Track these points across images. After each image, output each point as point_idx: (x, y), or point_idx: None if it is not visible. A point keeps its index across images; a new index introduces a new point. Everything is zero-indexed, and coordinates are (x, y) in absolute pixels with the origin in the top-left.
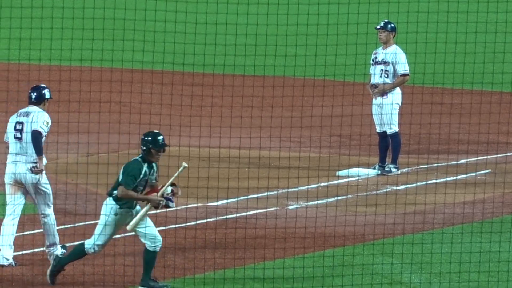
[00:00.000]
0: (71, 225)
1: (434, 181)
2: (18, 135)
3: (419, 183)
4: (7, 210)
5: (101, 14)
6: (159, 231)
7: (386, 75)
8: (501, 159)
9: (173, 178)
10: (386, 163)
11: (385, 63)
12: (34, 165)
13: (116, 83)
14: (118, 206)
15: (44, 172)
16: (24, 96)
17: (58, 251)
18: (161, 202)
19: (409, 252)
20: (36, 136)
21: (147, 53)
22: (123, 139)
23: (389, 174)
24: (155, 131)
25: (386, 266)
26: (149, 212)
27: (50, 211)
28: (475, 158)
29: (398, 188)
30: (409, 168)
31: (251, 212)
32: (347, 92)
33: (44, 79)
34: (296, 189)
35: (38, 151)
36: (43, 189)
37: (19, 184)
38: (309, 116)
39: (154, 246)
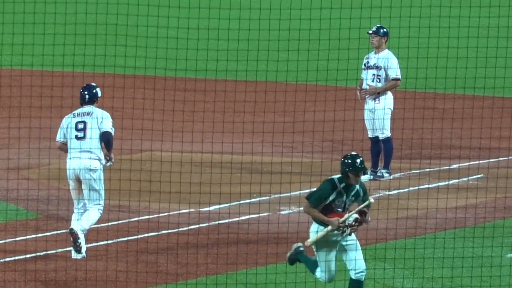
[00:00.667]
0: (64, 231)
1: (426, 186)
2: (81, 134)
3: (411, 188)
4: (75, 205)
5: (93, 20)
6: (150, 236)
7: (378, 80)
8: (493, 164)
9: (360, 207)
10: (379, 168)
11: (377, 67)
12: (98, 160)
13: (109, 89)
14: (318, 225)
15: (103, 169)
16: (16, 102)
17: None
18: (341, 228)
19: (402, 257)
20: (108, 137)
21: (140, 58)
22: (116, 144)
23: (381, 179)
24: (353, 153)
25: (379, 271)
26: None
27: (100, 206)
28: (467, 163)
29: (390, 193)
30: (402, 173)
31: (244, 218)
32: (339, 97)
33: (36, 84)
34: (289, 194)
35: (110, 147)
36: (97, 185)
37: (79, 180)
38: (301, 121)
39: (357, 273)
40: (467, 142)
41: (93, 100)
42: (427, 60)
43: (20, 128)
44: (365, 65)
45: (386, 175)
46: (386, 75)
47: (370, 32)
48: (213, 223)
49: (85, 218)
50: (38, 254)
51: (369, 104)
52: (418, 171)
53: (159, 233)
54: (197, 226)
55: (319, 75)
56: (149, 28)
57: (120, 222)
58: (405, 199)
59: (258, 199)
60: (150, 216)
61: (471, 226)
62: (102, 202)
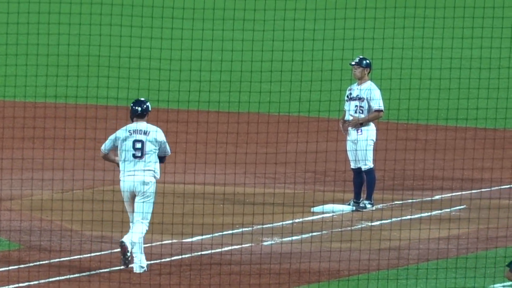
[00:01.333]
0: (46, 261)
1: (409, 217)
2: (138, 154)
3: (393, 219)
4: (131, 219)
5: (76, 51)
6: (132, 267)
7: (361, 111)
8: (475, 195)
9: None
10: (361, 199)
11: (359, 99)
12: (153, 176)
13: (91, 120)
14: None
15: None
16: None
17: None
18: None
19: (384, 287)
20: (163, 160)
21: (122, 89)
22: (98, 175)
23: (364, 210)
24: None
25: None
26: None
27: (146, 220)
28: (450, 194)
29: (372, 224)
30: (384, 204)
31: (226, 249)
32: (322, 128)
33: (19, 115)
34: (271, 225)
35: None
36: (149, 199)
37: (132, 196)
38: (283, 152)
39: None
40: (450, 173)
41: (143, 114)
42: (409, 91)
43: (2, 159)
44: (347, 96)
45: (368, 206)
46: (369, 106)
47: (353, 63)
48: (196, 254)
49: (134, 231)
50: (20, 285)
51: (352, 135)
52: (400, 202)
53: None
54: (179, 257)
55: (301, 106)
56: (131, 59)
57: (102, 253)
58: (388, 230)
59: (240, 230)
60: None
61: (453, 257)
62: (149, 216)
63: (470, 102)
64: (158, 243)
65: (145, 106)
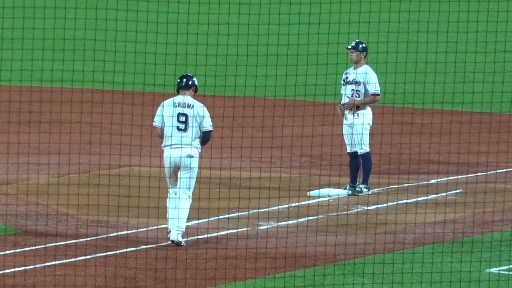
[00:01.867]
0: (42, 246)
1: (404, 201)
2: (182, 126)
3: (389, 203)
4: (170, 194)
5: (72, 35)
6: (129, 251)
7: (357, 95)
8: (471, 179)
9: None
10: (357, 183)
11: (356, 83)
12: (197, 148)
13: (87, 104)
14: None
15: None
16: None
17: (180, 237)
18: None
19: (380, 272)
20: (207, 137)
21: (118, 73)
22: (94, 159)
23: (360, 194)
24: None
25: (357, 286)
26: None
27: (190, 193)
28: (446, 178)
29: (368, 208)
30: (380, 188)
31: (222, 233)
32: (318, 112)
33: (15, 100)
34: (267, 209)
35: (205, 144)
36: (193, 172)
37: (175, 168)
38: (279, 136)
39: None
40: (445, 157)
41: (188, 86)
42: (405, 75)
43: None
44: (344, 80)
45: (364, 190)
46: (366, 90)
47: (349, 47)
48: (192, 238)
49: (180, 217)
50: (16, 269)
51: (348, 119)
52: (396, 186)
53: (137, 248)
54: None
55: (297, 90)
56: (127, 43)
57: (98, 237)
58: (384, 214)
59: (236, 214)
60: (129, 231)
61: (449, 241)
62: (192, 190)
63: (466, 86)
64: (154, 227)
65: (191, 80)
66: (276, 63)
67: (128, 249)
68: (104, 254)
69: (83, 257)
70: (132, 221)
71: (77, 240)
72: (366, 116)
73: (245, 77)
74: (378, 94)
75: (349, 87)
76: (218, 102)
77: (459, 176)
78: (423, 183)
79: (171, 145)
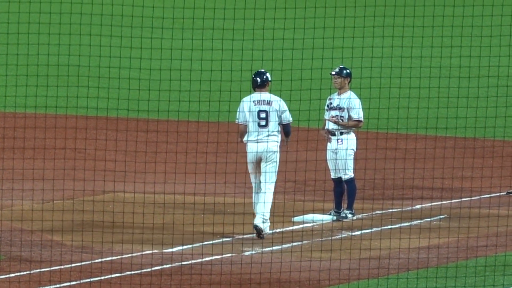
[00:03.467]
0: (27, 272)
1: (389, 226)
2: (263, 123)
3: (374, 229)
4: (254, 189)
5: (56, 61)
6: (113, 277)
7: (341, 121)
8: (455, 204)
9: None
10: (342, 209)
11: (340, 109)
12: (277, 142)
13: (71, 130)
14: None
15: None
16: None
17: (267, 228)
18: None
19: None
20: (288, 129)
21: (102, 99)
22: (78, 185)
23: (344, 220)
24: None
25: None
26: None
27: (273, 186)
28: (430, 204)
29: (353, 233)
30: (364, 214)
31: (207, 259)
32: (302, 138)
33: None
34: (252, 235)
35: (288, 136)
36: (275, 166)
37: (257, 162)
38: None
39: None
40: (430, 183)
41: (264, 84)
42: (389, 100)
43: None
44: (327, 106)
45: (349, 215)
46: (349, 116)
47: (333, 73)
48: (176, 264)
49: (266, 207)
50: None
51: (332, 144)
52: (381, 211)
53: (122, 274)
54: (160, 267)
55: None
56: (111, 69)
57: (83, 263)
58: (368, 239)
59: (221, 240)
60: (113, 258)
61: (434, 266)
62: (275, 182)
63: (449, 111)
64: (139, 253)
65: (264, 76)
66: None
67: (113, 275)
68: (88, 280)
69: (68, 283)
70: (116, 247)
71: (62, 266)
72: (350, 141)
73: (229, 103)
74: (361, 121)
75: (333, 113)
76: (202, 128)
77: (443, 202)
78: (408, 208)
79: (254, 140)
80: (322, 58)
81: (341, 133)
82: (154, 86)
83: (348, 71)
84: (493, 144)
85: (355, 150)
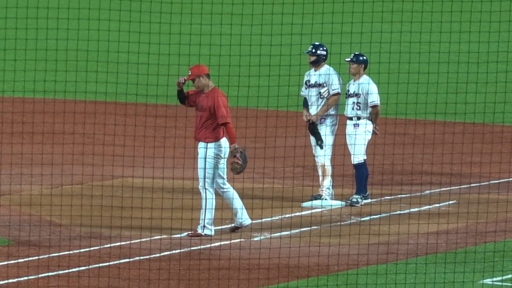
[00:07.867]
0: (36, 257)
1: (397, 212)
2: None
3: (383, 214)
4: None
5: (64, 46)
6: (122, 263)
7: (358, 107)
8: (464, 190)
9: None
10: (367, 192)
11: (356, 95)
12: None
13: (80, 115)
14: None
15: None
16: None
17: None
18: None
19: (373, 282)
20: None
21: (111, 84)
22: (87, 170)
23: (356, 205)
24: None
25: None
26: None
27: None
28: (439, 189)
29: (362, 219)
30: (373, 199)
31: (215, 244)
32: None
33: (7, 111)
34: (260, 220)
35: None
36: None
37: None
38: (272, 147)
39: None
40: (439, 168)
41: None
42: (397, 85)
43: None
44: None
45: (359, 200)
46: (366, 102)
47: (348, 60)
48: (185, 249)
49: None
50: (10, 281)
51: (348, 129)
52: (389, 197)
53: (131, 259)
54: (169, 252)
55: (290, 100)
56: (120, 54)
57: (91, 248)
58: (377, 224)
59: (229, 225)
60: (122, 243)
61: (442, 252)
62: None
63: (458, 97)
64: (148, 238)
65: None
66: (268, 73)
67: (122, 261)
68: (97, 265)
69: (77, 269)
70: (125, 232)
71: (71, 252)
72: (367, 126)
73: (238, 88)
74: (377, 105)
75: (350, 100)
76: None
77: (452, 187)
78: (416, 194)
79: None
80: (330, 43)
81: (358, 118)
82: (163, 71)
83: (364, 57)
84: (502, 129)
85: (370, 136)
